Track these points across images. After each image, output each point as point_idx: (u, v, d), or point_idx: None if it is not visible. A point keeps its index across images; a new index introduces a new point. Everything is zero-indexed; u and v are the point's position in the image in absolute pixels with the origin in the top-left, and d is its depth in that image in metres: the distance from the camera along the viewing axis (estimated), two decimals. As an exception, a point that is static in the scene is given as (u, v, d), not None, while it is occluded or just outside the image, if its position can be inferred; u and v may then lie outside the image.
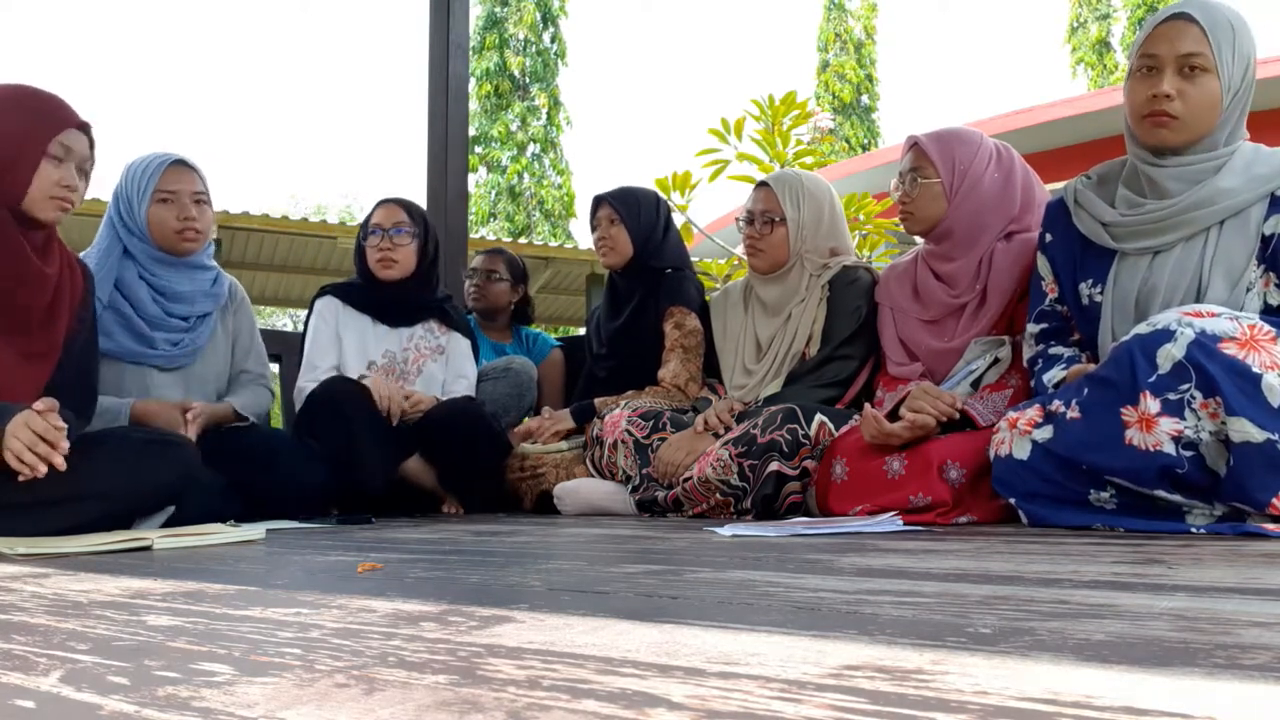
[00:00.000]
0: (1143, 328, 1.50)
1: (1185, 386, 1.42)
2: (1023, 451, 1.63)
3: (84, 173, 1.83)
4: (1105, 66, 20.01)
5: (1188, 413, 1.42)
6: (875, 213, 3.76)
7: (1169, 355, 1.43)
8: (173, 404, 2.16)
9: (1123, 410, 1.48)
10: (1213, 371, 1.39)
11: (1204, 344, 1.41)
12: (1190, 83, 1.64)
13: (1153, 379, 1.45)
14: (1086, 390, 1.57)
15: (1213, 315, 1.45)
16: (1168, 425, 1.43)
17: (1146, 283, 1.69)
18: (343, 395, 2.35)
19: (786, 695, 0.48)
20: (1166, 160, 1.70)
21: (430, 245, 2.66)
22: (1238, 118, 1.68)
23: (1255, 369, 1.38)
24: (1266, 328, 1.43)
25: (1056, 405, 1.61)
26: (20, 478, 1.59)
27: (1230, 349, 1.40)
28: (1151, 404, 1.45)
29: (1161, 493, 1.47)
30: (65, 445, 1.61)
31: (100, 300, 2.10)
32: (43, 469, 1.58)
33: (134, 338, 2.18)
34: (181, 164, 2.24)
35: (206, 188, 2.26)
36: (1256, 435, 1.35)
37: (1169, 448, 1.43)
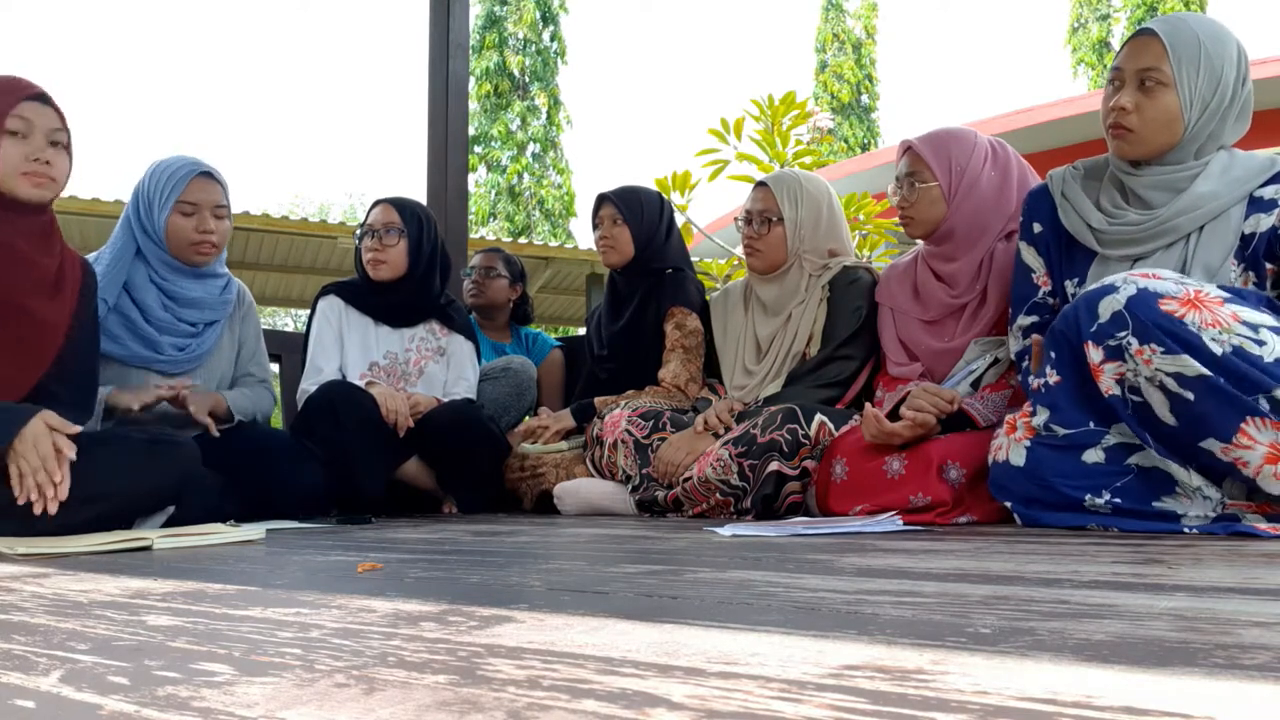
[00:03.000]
0: (1092, 287, 1.54)
1: (1123, 334, 1.45)
2: (1019, 457, 1.63)
3: (59, 145, 1.78)
4: (1105, 67, 19.99)
5: (1127, 356, 1.46)
6: (875, 213, 3.76)
7: (1110, 305, 1.48)
8: (147, 387, 2.11)
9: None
10: (1146, 320, 1.42)
11: (1144, 298, 1.44)
12: (1147, 97, 1.67)
13: (1094, 329, 1.49)
14: (1054, 353, 1.60)
15: (1159, 278, 1.48)
16: (1111, 370, 1.48)
17: None
18: (339, 400, 2.34)
19: (786, 695, 0.48)
20: (1142, 171, 1.73)
21: (425, 243, 2.63)
22: (1214, 129, 1.68)
23: (1191, 327, 1.39)
24: (1215, 293, 1.43)
25: (1038, 384, 1.63)
26: (17, 495, 1.60)
27: (1169, 305, 1.42)
28: (1094, 353, 1.50)
29: (1150, 450, 1.48)
30: (65, 486, 1.61)
31: (106, 302, 2.10)
32: (37, 503, 1.59)
33: (140, 342, 2.17)
34: (208, 176, 2.22)
35: (228, 201, 2.26)
36: (1200, 369, 1.38)
37: (1115, 390, 1.49)
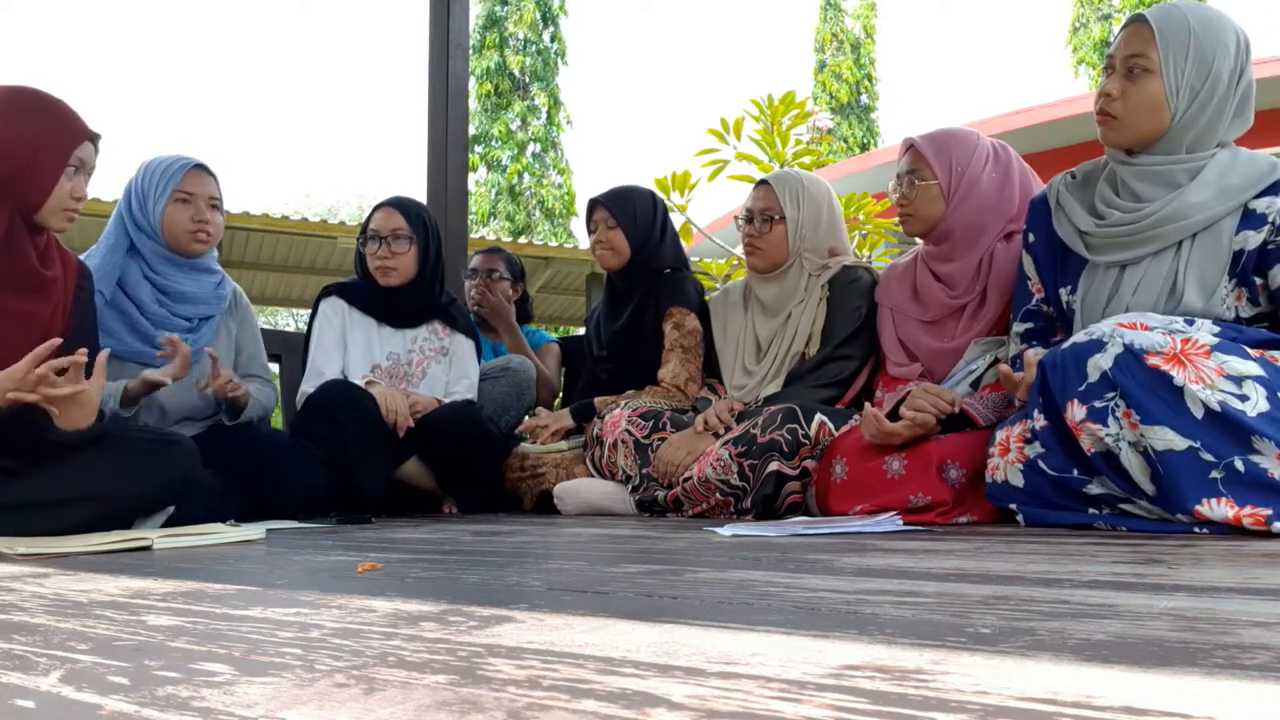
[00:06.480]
0: (1080, 336, 1.53)
1: (1110, 395, 1.45)
2: (1017, 479, 1.63)
3: (87, 179, 1.86)
4: (1105, 66, 20.00)
5: (1111, 420, 1.45)
6: (875, 213, 3.76)
7: (1097, 365, 1.47)
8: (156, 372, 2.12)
9: (1064, 415, 1.53)
10: (1132, 384, 1.42)
11: (1131, 356, 1.43)
12: (1132, 83, 1.67)
13: (1082, 388, 1.49)
14: (1041, 398, 1.58)
15: (1145, 328, 1.47)
16: (1090, 431, 1.48)
17: (1114, 295, 1.70)
18: (339, 400, 2.34)
19: (786, 695, 0.48)
20: (1135, 159, 1.71)
21: (431, 248, 2.63)
22: (1209, 122, 1.64)
23: (1178, 381, 1.39)
24: (1201, 341, 1.42)
25: (1026, 425, 1.62)
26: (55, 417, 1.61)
27: (1155, 361, 1.41)
28: (1077, 411, 1.49)
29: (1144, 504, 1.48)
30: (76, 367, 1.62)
31: (103, 295, 2.11)
32: (64, 389, 1.60)
33: (136, 336, 2.18)
34: (202, 169, 2.29)
35: (221, 194, 2.31)
36: (1180, 443, 1.37)
37: (1097, 449, 1.49)
